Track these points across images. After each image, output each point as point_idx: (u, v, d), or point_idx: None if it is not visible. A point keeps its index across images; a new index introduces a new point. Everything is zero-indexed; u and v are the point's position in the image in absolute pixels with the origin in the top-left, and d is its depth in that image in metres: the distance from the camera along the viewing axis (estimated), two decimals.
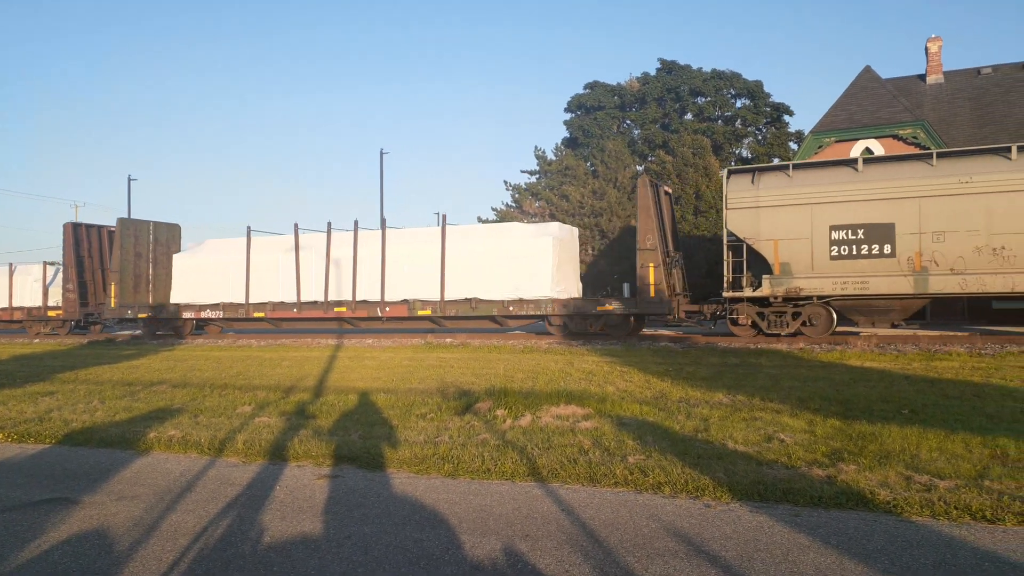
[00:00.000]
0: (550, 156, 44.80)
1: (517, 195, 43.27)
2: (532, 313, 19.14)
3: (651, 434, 7.11)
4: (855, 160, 16.27)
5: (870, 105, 26.82)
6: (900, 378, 10.35)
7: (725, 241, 17.10)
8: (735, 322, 17.26)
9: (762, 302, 16.76)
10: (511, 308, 19.17)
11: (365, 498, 5.46)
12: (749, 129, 43.73)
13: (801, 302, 16.32)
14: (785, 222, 16.17)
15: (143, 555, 4.41)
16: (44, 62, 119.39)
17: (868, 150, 25.45)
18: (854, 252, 15.63)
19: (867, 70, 28.51)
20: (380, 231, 20.89)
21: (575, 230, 21.55)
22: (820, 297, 16.05)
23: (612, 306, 18.41)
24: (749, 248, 16.70)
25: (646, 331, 20.01)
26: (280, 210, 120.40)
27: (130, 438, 7.83)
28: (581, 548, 4.30)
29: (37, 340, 24.55)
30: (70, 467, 6.79)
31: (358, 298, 20.84)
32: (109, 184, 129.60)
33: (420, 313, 20.18)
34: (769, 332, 16.69)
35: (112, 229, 25.26)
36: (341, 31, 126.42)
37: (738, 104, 44.60)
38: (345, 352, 16.81)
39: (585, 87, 46.97)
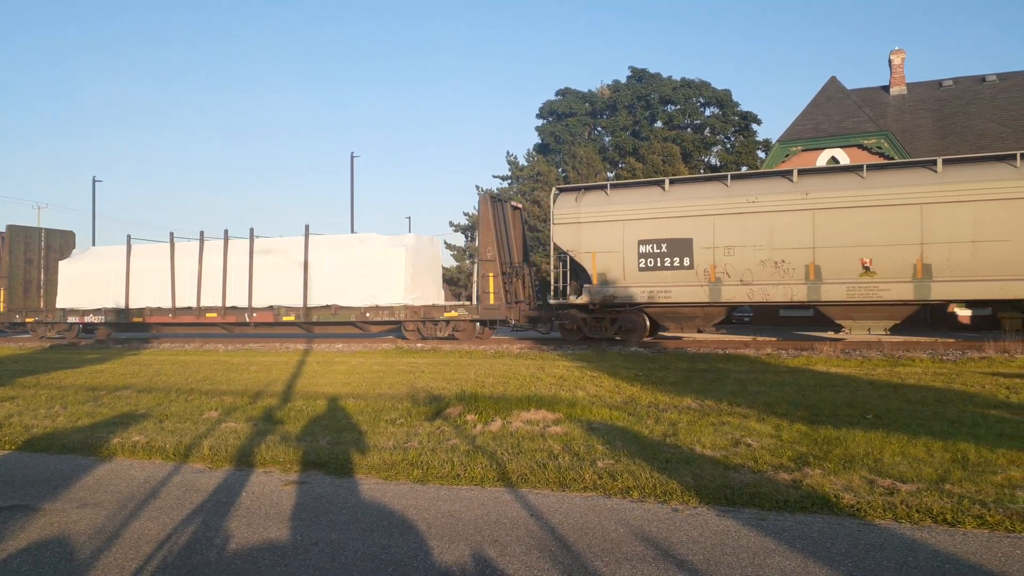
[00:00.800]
0: (522, 162, 44.93)
1: None
2: (387, 319, 20.40)
3: (620, 439, 7.14)
4: (662, 181, 17.94)
5: (836, 115, 27.29)
6: (864, 383, 10.53)
7: (552, 254, 18.91)
8: (564, 327, 18.74)
9: (585, 308, 18.27)
10: (368, 314, 20.34)
11: (333, 504, 5.42)
12: (718, 137, 44.25)
13: (617, 309, 17.91)
14: (602, 237, 17.82)
15: (105, 563, 4.33)
16: (7, 61, 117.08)
17: (834, 159, 25.91)
18: (659, 264, 17.36)
19: (833, 81, 29.02)
20: (249, 240, 21.87)
21: (436, 240, 22.76)
22: (632, 304, 17.75)
23: (457, 312, 19.81)
24: (573, 260, 18.49)
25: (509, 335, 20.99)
26: (253, 214, 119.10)
27: (93, 444, 7.69)
28: (550, 553, 4.31)
29: None
30: (30, 474, 6.65)
31: (228, 304, 21.84)
32: (75, 185, 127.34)
33: (285, 319, 21.36)
34: (592, 336, 18.17)
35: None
36: (312, 36, 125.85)
37: (707, 112, 45.13)
38: (314, 357, 16.67)
39: (557, 93, 47.19)
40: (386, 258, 20.32)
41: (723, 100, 43.86)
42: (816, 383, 10.63)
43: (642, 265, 17.40)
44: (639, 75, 45.65)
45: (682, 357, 14.58)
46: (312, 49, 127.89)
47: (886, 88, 31.20)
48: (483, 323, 20.17)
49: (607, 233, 17.72)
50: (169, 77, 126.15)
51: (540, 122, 46.97)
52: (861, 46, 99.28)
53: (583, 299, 18.00)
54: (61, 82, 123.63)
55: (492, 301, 19.15)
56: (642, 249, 17.39)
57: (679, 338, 18.27)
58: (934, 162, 15.58)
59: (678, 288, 17.12)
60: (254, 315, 21.37)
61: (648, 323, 17.91)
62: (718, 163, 42.57)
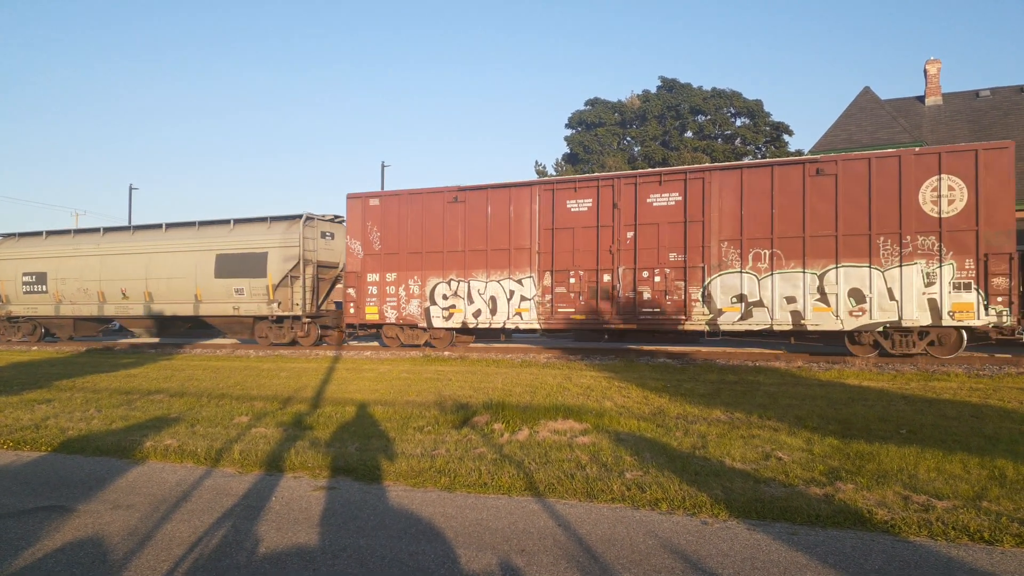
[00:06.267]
0: (551, 171, 44.99)
1: None
2: None
3: (649, 450, 7.10)
4: (42, 232, 25.89)
5: (869, 126, 26.98)
6: (898, 398, 10.35)
7: None
8: None
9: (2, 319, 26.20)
10: None
11: (361, 510, 5.45)
12: (749, 148, 43.91)
13: (19, 319, 26.00)
14: (8, 270, 25.56)
15: (138, 564, 4.39)
16: (46, 68, 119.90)
17: None
18: (33, 290, 25.18)
19: (866, 91, 28.71)
20: None
21: None
22: (24, 317, 25.73)
23: None
24: None
25: (614, 346, 20.37)
26: None
27: (126, 447, 7.81)
28: (578, 563, 4.28)
29: (35, 348, 24.52)
30: (66, 475, 6.77)
31: None
32: (112, 192, 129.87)
33: None
34: (10, 339, 25.99)
35: None
36: (343, 43, 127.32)
37: (738, 123, 44.84)
38: (343, 364, 16.78)
39: (586, 103, 47.21)
40: None
41: (754, 110, 43.56)
42: (848, 397, 10.47)
43: (25, 290, 25.23)
44: (669, 85, 45.52)
45: (711, 369, 14.46)
46: (341, 57, 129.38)
47: (921, 98, 30.77)
48: None
49: (10, 267, 25.49)
50: (213, 88, 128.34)
51: (569, 132, 46.98)
52: (895, 56, 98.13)
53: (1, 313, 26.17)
54: (99, 89, 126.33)
55: None
56: (25, 279, 25.25)
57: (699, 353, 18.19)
58: (161, 225, 23.85)
59: (41, 306, 25.16)
60: None
61: (44, 330, 26.01)
62: None
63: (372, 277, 20.09)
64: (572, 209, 17.90)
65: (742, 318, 16.30)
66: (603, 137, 44.98)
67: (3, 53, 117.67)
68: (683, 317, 16.84)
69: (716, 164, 17.23)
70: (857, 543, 4.52)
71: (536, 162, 57.77)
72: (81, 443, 8.10)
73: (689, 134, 44.50)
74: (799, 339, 17.06)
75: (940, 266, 14.72)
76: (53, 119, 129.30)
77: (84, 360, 19.25)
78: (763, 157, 43.23)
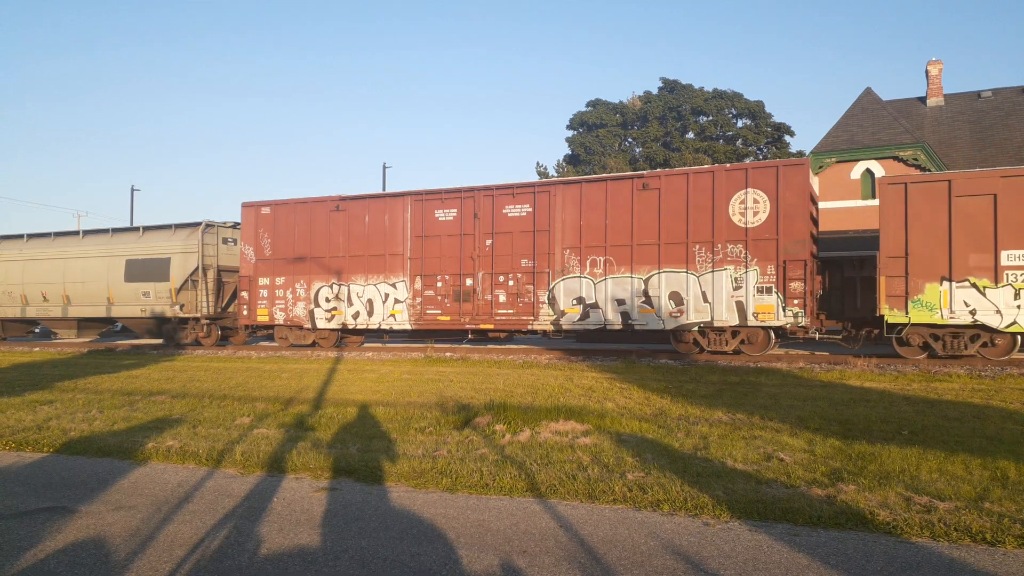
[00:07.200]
0: (552, 172, 45.01)
1: None
2: None
3: (650, 451, 7.09)
4: None
5: (871, 127, 26.96)
6: (900, 399, 10.34)
7: None
8: None
9: None
10: None
11: (363, 511, 5.45)
12: (750, 149, 43.89)
13: None
14: None
15: (139, 565, 4.39)
16: (46, 70, 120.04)
17: (869, 171, 25.59)
18: None
19: (868, 92, 28.69)
20: None
21: None
22: None
23: None
24: None
25: (611, 347, 20.69)
26: None
27: (128, 448, 7.81)
28: (579, 564, 4.28)
29: (37, 349, 24.55)
30: (68, 476, 6.77)
31: None
32: (113, 192, 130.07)
33: None
34: None
35: None
36: (348, 44, 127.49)
37: (739, 124, 44.83)
38: (344, 365, 16.79)
39: (587, 104, 47.23)
40: None
41: (756, 111, 43.56)
42: (850, 398, 10.46)
43: None
44: (671, 86, 45.54)
45: (713, 370, 14.45)
46: (341, 56, 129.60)
47: (923, 99, 30.75)
48: None
49: None
50: (214, 88, 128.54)
51: (570, 133, 47.00)
52: (897, 57, 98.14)
53: None
54: (102, 90, 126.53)
55: None
56: None
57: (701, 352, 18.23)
58: (78, 232, 25.42)
59: None
60: None
61: None
62: None
63: (263, 281, 21.55)
64: (440, 219, 19.39)
65: (581, 318, 17.80)
66: (604, 138, 45.02)
67: (4, 53, 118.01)
68: (532, 317, 18.35)
69: (560, 179, 18.67)
70: (859, 544, 4.52)
71: (538, 163, 57.81)
72: (83, 444, 8.11)
73: (691, 135, 44.51)
74: (636, 337, 18.61)
75: (747, 272, 15.97)
76: (53, 118, 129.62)
77: (86, 361, 19.28)
78: (764, 158, 43.27)
